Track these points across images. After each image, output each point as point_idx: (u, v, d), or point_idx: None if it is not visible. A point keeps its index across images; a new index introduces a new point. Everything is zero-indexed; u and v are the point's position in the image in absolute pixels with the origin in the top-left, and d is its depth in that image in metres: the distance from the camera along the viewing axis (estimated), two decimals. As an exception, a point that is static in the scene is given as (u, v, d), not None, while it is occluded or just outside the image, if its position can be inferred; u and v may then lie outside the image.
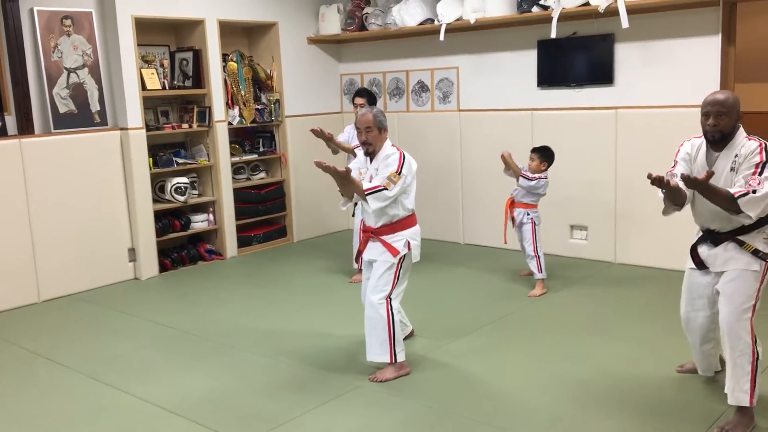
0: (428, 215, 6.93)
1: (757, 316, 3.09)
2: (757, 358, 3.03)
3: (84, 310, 5.18)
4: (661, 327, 4.27)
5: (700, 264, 3.22)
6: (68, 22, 5.52)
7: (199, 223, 6.46)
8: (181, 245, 6.42)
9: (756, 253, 3.04)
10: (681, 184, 2.98)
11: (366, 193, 3.57)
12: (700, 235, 3.23)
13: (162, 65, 6.20)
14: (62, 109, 5.52)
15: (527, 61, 6.10)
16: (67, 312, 5.14)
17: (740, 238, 3.06)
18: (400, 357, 3.74)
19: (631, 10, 5.24)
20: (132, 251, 5.93)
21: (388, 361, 3.72)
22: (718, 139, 3.03)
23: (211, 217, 6.53)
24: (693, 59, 5.26)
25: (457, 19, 6.18)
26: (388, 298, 3.71)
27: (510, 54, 6.23)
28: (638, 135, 5.53)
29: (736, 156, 3.01)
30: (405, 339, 4.11)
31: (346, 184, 3.57)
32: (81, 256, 5.59)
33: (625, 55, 5.60)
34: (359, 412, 3.39)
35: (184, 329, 4.66)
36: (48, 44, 5.43)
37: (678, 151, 3.27)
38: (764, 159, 2.95)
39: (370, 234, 3.77)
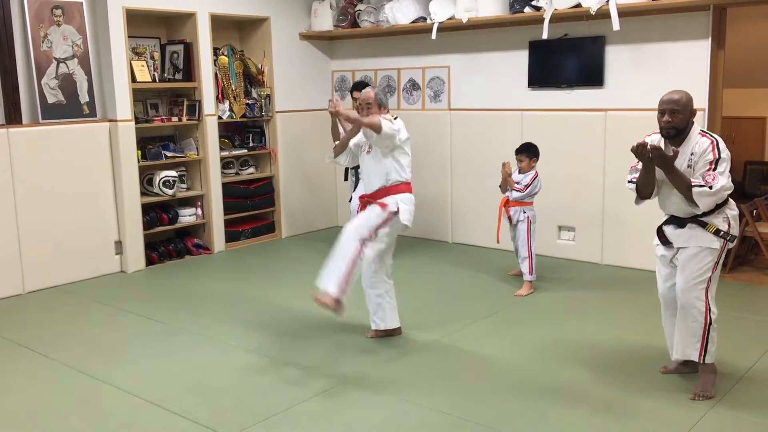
0: (417, 214, 6.92)
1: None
2: (710, 323, 3.33)
3: (69, 302, 5.15)
4: (647, 328, 4.29)
5: (665, 241, 3.46)
6: (58, 12, 5.49)
7: (187, 217, 6.44)
8: (168, 239, 6.39)
9: (717, 232, 3.30)
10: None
11: (382, 124, 3.83)
12: (666, 218, 3.48)
13: (152, 57, 6.17)
14: (51, 100, 5.48)
15: (518, 61, 6.12)
16: (52, 304, 5.11)
17: (703, 219, 3.32)
18: (342, 296, 3.83)
19: (622, 13, 5.27)
20: (119, 244, 5.90)
21: (335, 295, 3.80)
22: (672, 135, 3.30)
23: (199, 211, 6.50)
24: (683, 63, 5.30)
25: (450, 18, 6.19)
26: (363, 241, 3.92)
27: (501, 54, 6.25)
28: (627, 137, 5.50)
29: (692, 154, 3.27)
30: (391, 336, 4.24)
31: (354, 127, 4.01)
32: (67, 248, 5.56)
33: (615, 57, 5.63)
34: (345, 407, 3.39)
35: (170, 322, 4.64)
36: (37, 34, 5.39)
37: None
38: (717, 156, 3.22)
39: (367, 201, 4.06)
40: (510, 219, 5.15)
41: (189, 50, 6.26)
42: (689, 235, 3.35)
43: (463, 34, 6.42)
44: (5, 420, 3.34)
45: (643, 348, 4.03)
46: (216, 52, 6.52)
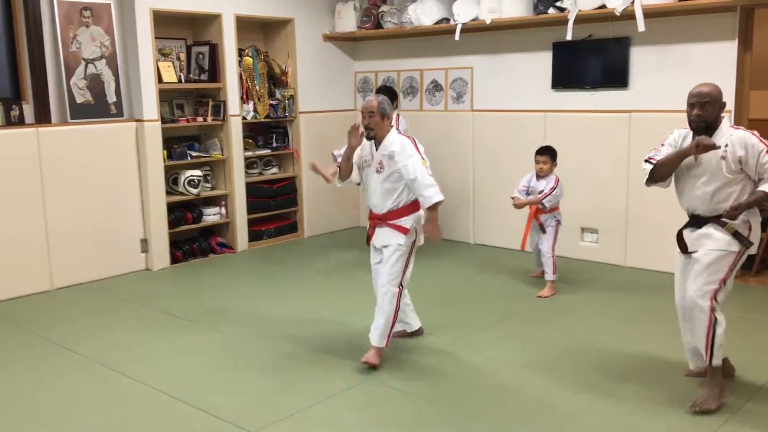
0: (439, 214, 6.94)
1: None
2: (715, 322, 3.21)
3: (96, 298, 5.24)
4: (669, 330, 4.26)
5: (684, 248, 3.37)
6: (87, 13, 5.58)
7: (211, 216, 6.50)
8: (192, 237, 6.46)
9: (736, 234, 3.20)
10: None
11: (433, 204, 3.69)
12: (686, 221, 3.37)
13: (179, 58, 6.25)
14: (79, 100, 5.57)
15: (542, 62, 6.11)
16: (79, 300, 5.20)
17: (723, 219, 3.22)
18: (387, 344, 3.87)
19: (647, 14, 5.23)
20: (144, 242, 5.98)
21: (384, 346, 3.85)
22: (702, 128, 3.20)
23: (223, 210, 6.57)
24: (708, 64, 5.25)
25: (473, 19, 6.19)
26: (400, 285, 3.85)
27: (525, 55, 6.23)
28: (652, 139, 5.47)
29: (726, 146, 3.17)
30: (413, 337, 4.25)
31: (354, 140, 3.86)
32: (94, 246, 5.65)
33: (640, 58, 5.59)
34: (367, 406, 3.41)
35: (194, 320, 4.70)
36: (67, 35, 5.48)
37: (667, 136, 3.44)
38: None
39: (376, 221, 3.89)
40: (542, 226, 5.11)
41: (214, 51, 6.33)
42: (707, 235, 3.27)
43: (487, 35, 6.42)
44: (34, 414, 3.41)
45: (664, 354, 3.98)
46: (241, 53, 6.58)
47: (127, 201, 5.86)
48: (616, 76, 5.70)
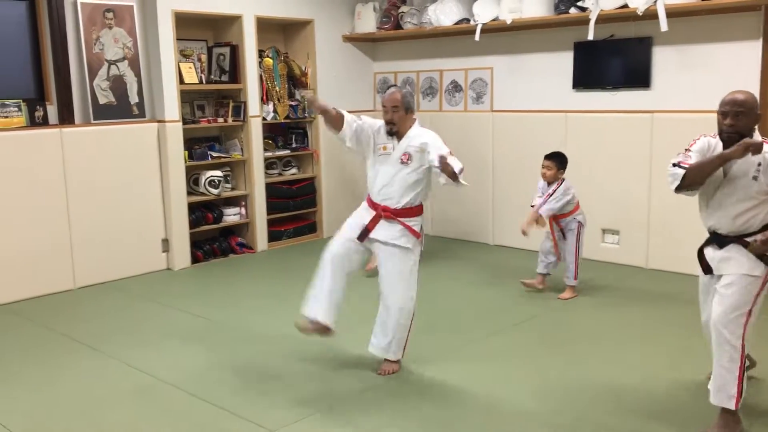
0: (458, 215, 6.94)
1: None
2: (745, 364, 2.98)
3: (118, 297, 5.29)
4: (688, 334, 4.21)
5: (706, 268, 3.15)
6: (110, 15, 5.64)
7: (232, 216, 6.54)
8: (213, 237, 6.50)
9: (761, 257, 2.95)
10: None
11: (459, 175, 3.51)
12: (707, 238, 3.15)
13: (200, 60, 6.29)
14: (102, 101, 5.63)
15: (563, 62, 6.07)
16: (101, 299, 5.25)
17: (747, 239, 2.98)
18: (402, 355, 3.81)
19: (670, 13, 5.18)
20: (165, 242, 6.03)
21: (400, 358, 3.79)
22: (734, 140, 2.90)
23: (243, 210, 6.60)
24: (732, 64, 5.19)
25: (493, 20, 6.17)
26: (413, 297, 3.72)
27: (545, 55, 6.20)
28: (674, 140, 5.42)
29: (759, 164, 2.91)
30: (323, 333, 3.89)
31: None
32: (116, 245, 5.70)
33: (662, 58, 5.54)
34: (381, 407, 3.41)
35: (214, 319, 4.73)
36: (90, 36, 5.54)
37: (693, 142, 3.12)
38: None
39: (388, 214, 3.65)
40: (562, 231, 5.01)
41: (235, 52, 6.37)
42: (729, 258, 3.02)
43: (507, 36, 6.39)
44: (57, 411, 3.44)
45: (682, 369, 3.92)
46: (261, 54, 6.62)
47: (148, 201, 5.91)
48: (639, 77, 5.65)
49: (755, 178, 2.93)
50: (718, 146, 3.04)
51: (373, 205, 3.73)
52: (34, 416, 3.38)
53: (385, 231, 3.66)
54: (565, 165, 4.96)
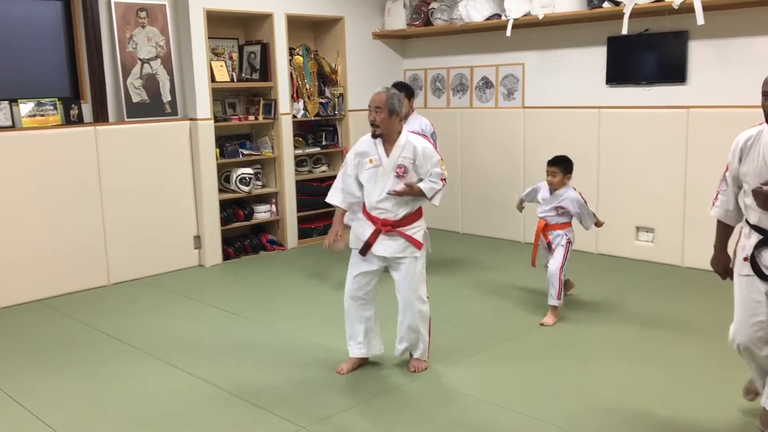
0: (488, 212, 6.89)
1: None
2: None
3: (151, 293, 5.34)
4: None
5: (761, 272, 2.74)
6: (143, 14, 5.69)
7: (262, 213, 6.57)
8: (244, 234, 6.55)
9: None
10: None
11: (433, 197, 3.54)
12: (760, 238, 2.73)
13: (231, 58, 6.33)
14: (135, 99, 5.69)
15: (596, 58, 5.99)
16: (135, 295, 5.31)
17: None
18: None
19: (706, 7, 5.08)
20: (197, 239, 6.09)
21: (427, 358, 3.79)
22: None
23: (273, 208, 6.64)
24: (772, 58, 5.07)
25: (525, 15, 6.11)
26: (426, 298, 3.69)
27: (578, 50, 6.12)
28: (711, 135, 5.35)
29: None
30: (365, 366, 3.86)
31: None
32: (149, 242, 5.77)
33: (699, 52, 5.43)
34: (412, 404, 3.40)
35: (246, 315, 4.76)
36: (123, 35, 5.61)
37: (730, 154, 2.83)
38: None
39: (388, 228, 3.55)
40: (549, 245, 4.54)
41: (266, 50, 6.39)
42: None
43: (539, 31, 6.32)
44: (94, 406, 3.49)
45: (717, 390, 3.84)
46: (291, 52, 6.63)
47: (180, 198, 5.96)
48: (674, 71, 5.55)
49: None
50: (764, 132, 2.72)
51: (370, 218, 3.61)
52: (69, 408, 3.43)
53: (387, 246, 3.58)
54: (572, 169, 4.57)
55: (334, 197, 3.74)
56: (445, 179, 3.60)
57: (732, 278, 2.92)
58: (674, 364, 3.78)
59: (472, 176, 7.02)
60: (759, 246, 2.73)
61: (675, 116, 5.57)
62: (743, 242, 2.81)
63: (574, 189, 4.57)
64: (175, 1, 5.87)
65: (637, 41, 5.70)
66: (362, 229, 3.64)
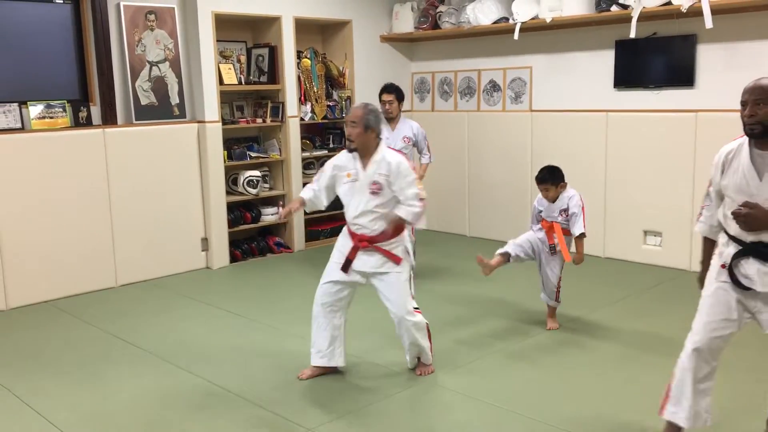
0: (496, 215, 6.88)
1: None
2: None
3: (159, 295, 5.36)
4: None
5: (738, 282, 2.67)
6: (152, 17, 5.72)
7: (269, 216, 6.59)
8: (251, 237, 6.56)
9: None
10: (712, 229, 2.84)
11: (416, 222, 3.51)
12: (739, 249, 2.67)
13: (239, 61, 6.36)
14: (144, 101, 5.72)
15: (604, 61, 5.98)
16: (142, 297, 5.33)
17: None
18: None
19: (715, 10, 5.06)
20: (205, 241, 6.10)
21: (431, 362, 3.80)
22: (758, 132, 2.56)
23: (280, 210, 6.63)
24: (781, 62, 5.05)
25: (533, 18, 6.11)
26: (414, 309, 3.62)
27: (586, 54, 6.12)
28: (719, 139, 5.24)
29: None
30: (324, 375, 3.79)
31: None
32: (157, 244, 5.79)
33: (707, 56, 5.41)
34: (417, 408, 3.39)
35: (253, 318, 4.77)
36: (132, 38, 5.64)
37: (713, 169, 2.79)
38: None
39: (365, 243, 3.51)
40: (553, 247, 4.36)
41: (274, 53, 6.41)
42: None
43: (547, 34, 6.32)
44: (100, 407, 3.50)
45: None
46: (299, 55, 6.65)
47: (188, 200, 5.98)
48: (682, 75, 5.53)
49: None
50: (744, 145, 2.66)
51: (350, 232, 3.60)
52: (77, 411, 3.44)
53: (365, 262, 3.55)
54: (563, 177, 4.37)
55: (306, 192, 3.72)
56: (423, 199, 3.47)
57: None
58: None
59: (480, 179, 7.01)
60: (737, 256, 2.68)
61: (683, 120, 5.55)
62: (721, 249, 2.78)
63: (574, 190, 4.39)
64: (183, 4, 5.90)
65: (645, 45, 5.69)
66: (343, 244, 3.63)
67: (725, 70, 5.34)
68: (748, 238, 2.64)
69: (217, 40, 6.00)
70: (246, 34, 6.63)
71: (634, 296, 5.05)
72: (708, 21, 5.04)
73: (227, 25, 6.24)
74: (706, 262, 2.91)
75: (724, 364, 3.26)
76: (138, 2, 5.64)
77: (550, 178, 4.33)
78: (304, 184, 6.61)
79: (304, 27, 6.75)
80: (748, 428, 3.11)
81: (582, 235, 4.27)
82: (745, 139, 2.68)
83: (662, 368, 3.75)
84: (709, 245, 2.91)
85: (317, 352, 3.73)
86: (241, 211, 6.36)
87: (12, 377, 3.84)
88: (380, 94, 5.43)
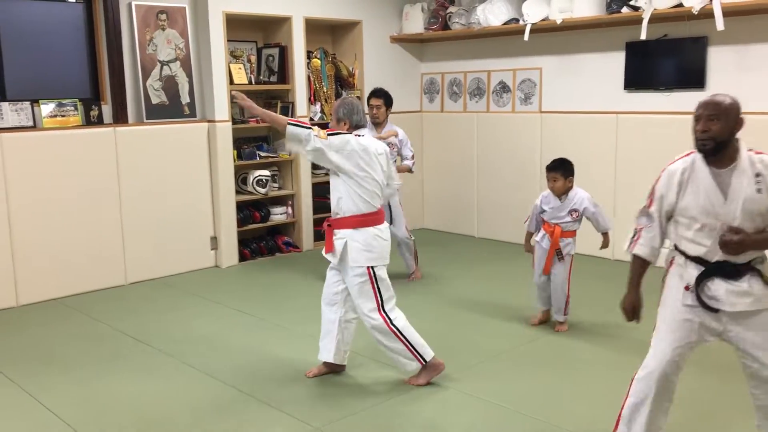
0: (504, 216, 6.87)
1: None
2: None
3: (168, 294, 5.39)
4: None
5: (704, 303, 2.59)
6: (163, 16, 5.75)
7: (278, 215, 6.61)
8: (260, 236, 6.58)
9: None
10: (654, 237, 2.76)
11: (289, 122, 3.54)
12: (702, 270, 2.59)
13: (249, 60, 6.38)
14: (154, 100, 5.75)
15: (614, 63, 5.97)
16: (152, 295, 5.36)
17: (757, 267, 2.55)
18: (428, 356, 3.57)
19: (726, 12, 5.04)
20: (214, 240, 6.13)
21: (419, 366, 3.58)
22: (709, 149, 2.53)
23: (289, 210, 6.67)
24: (793, 64, 5.03)
25: (543, 20, 6.10)
26: (381, 310, 3.50)
27: (596, 55, 6.10)
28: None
29: (758, 176, 2.49)
30: (332, 373, 3.78)
31: (255, 111, 3.65)
32: (166, 242, 5.82)
33: (718, 58, 5.39)
34: (425, 407, 3.39)
35: (261, 317, 4.78)
36: (144, 38, 5.67)
37: (657, 180, 2.79)
38: None
39: (328, 225, 3.55)
40: (559, 252, 4.28)
41: (284, 53, 6.43)
42: (750, 294, 2.52)
43: (557, 36, 6.31)
44: (108, 403, 3.52)
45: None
46: (309, 55, 6.67)
47: (198, 199, 6.01)
48: (693, 77, 5.51)
49: (759, 191, 2.50)
50: (696, 162, 2.62)
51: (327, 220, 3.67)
52: (88, 408, 3.47)
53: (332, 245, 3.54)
54: (573, 172, 4.28)
55: None
56: (313, 132, 3.56)
57: (639, 321, 2.86)
58: (689, 370, 3.74)
59: (489, 180, 7.01)
60: (701, 278, 2.60)
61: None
62: (679, 271, 2.70)
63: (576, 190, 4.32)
64: (194, 4, 5.92)
65: (655, 46, 5.68)
66: None
67: (736, 72, 5.31)
68: (714, 258, 2.56)
69: (228, 40, 6.02)
70: (256, 34, 6.65)
71: (644, 299, 5.02)
72: (719, 23, 5.02)
73: (238, 25, 6.26)
74: (635, 284, 2.83)
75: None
76: (149, 2, 5.67)
77: (561, 168, 4.25)
78: (314, 184, 6.73)
79: (314, 27, 6.76)
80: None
81: (606, 243, 4.33)
82: (694, 156, 2.63)
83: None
84: (641, 267, 2.82)
85: (325, 348, 3.73)
86: (250, 210, 6.38)
87: (22, 374, 3.87)
88: (368, 98, 5.51)
